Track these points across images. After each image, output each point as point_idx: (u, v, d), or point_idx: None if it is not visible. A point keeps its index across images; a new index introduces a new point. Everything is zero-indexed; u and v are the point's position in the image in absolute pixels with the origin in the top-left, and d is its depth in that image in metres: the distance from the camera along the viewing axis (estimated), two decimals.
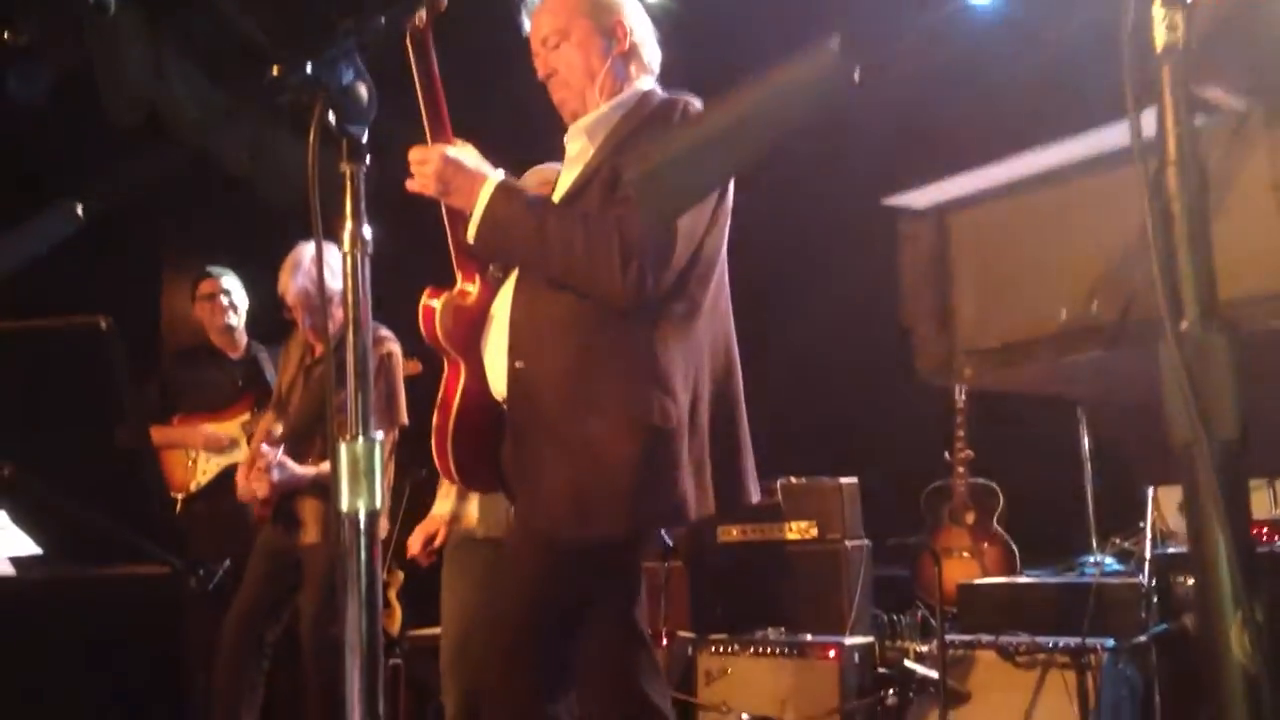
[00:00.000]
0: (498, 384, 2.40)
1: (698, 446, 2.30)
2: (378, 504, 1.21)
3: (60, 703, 4.94)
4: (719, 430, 2.36)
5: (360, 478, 1.20)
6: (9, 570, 1.78)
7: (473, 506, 3.61)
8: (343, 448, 1.18)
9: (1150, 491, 3.84)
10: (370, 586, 1.21)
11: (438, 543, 3.70)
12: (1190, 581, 3.54)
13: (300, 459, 4.14)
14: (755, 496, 2.48)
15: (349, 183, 1.29)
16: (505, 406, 2.39)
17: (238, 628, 4.24)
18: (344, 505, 1.20)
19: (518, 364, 2.33)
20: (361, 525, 1.20)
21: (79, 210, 3.27)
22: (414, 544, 3.80)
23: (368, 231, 1.28)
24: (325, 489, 4.15)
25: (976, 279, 1.00)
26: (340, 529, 4.13)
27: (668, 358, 2.28)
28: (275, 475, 4.05)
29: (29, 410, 4.84)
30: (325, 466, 4.13)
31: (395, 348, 4.14)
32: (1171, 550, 3.78)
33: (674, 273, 2.28)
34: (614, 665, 2.38)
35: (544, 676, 2.13)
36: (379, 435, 1.22)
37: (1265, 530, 3.71)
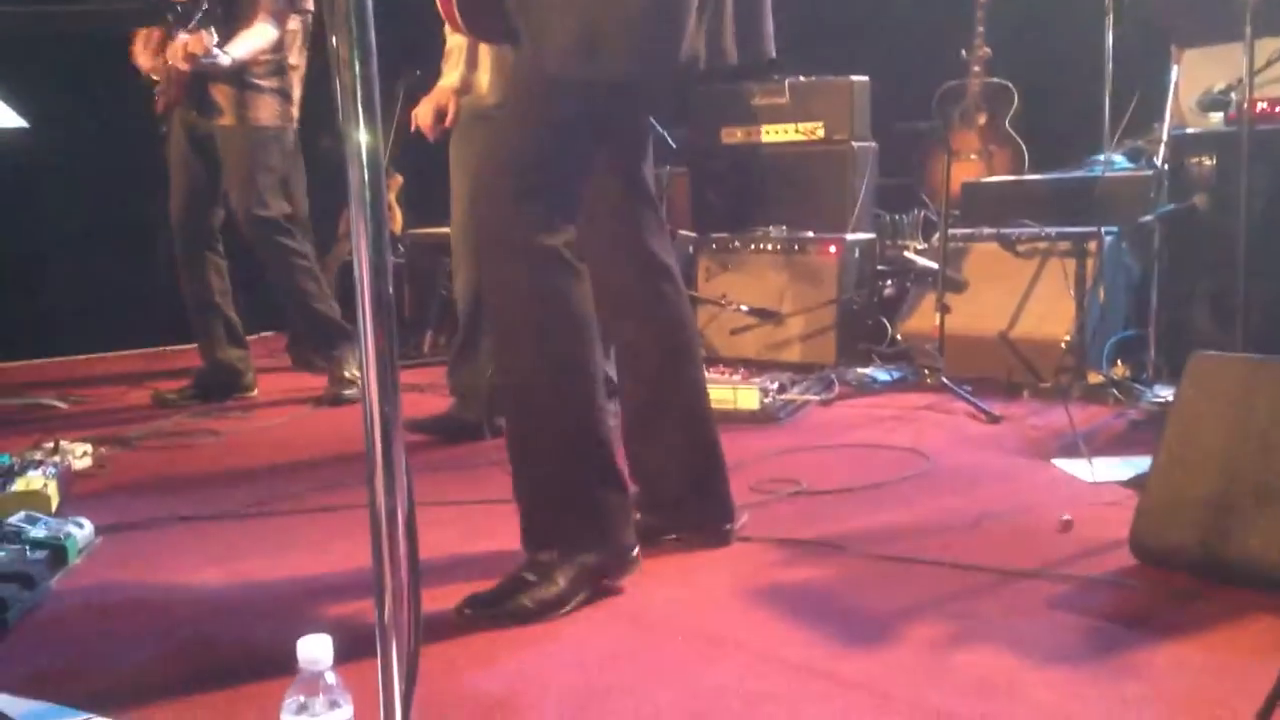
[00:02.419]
0: None
1: None
2: None
3: None
4: None
5: None
6: None
7: (483, 75, 3.46)
8: None
9: (1174, 70, 3.68)
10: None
11: (449, 119, 3.56)
12: (1205, 160, 3.47)
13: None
14: (772, 52, 2.36)
15: None
16: None
17: (182, 224, 4.27)
18: None
19: None
20: None
21: None
22: (422, 116, 3.63)
23: None
24: (238, 73, 4.06)
25: None
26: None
27: None
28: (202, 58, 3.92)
29: None
30: (239, 49, 4.01)
31: None
32: (1189, 130, 3.67)
33: None
34: (620, 220, 2.33)
35: (545, 208, 2.08)
36: None
37: None
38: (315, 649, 1.20)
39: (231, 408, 4.22)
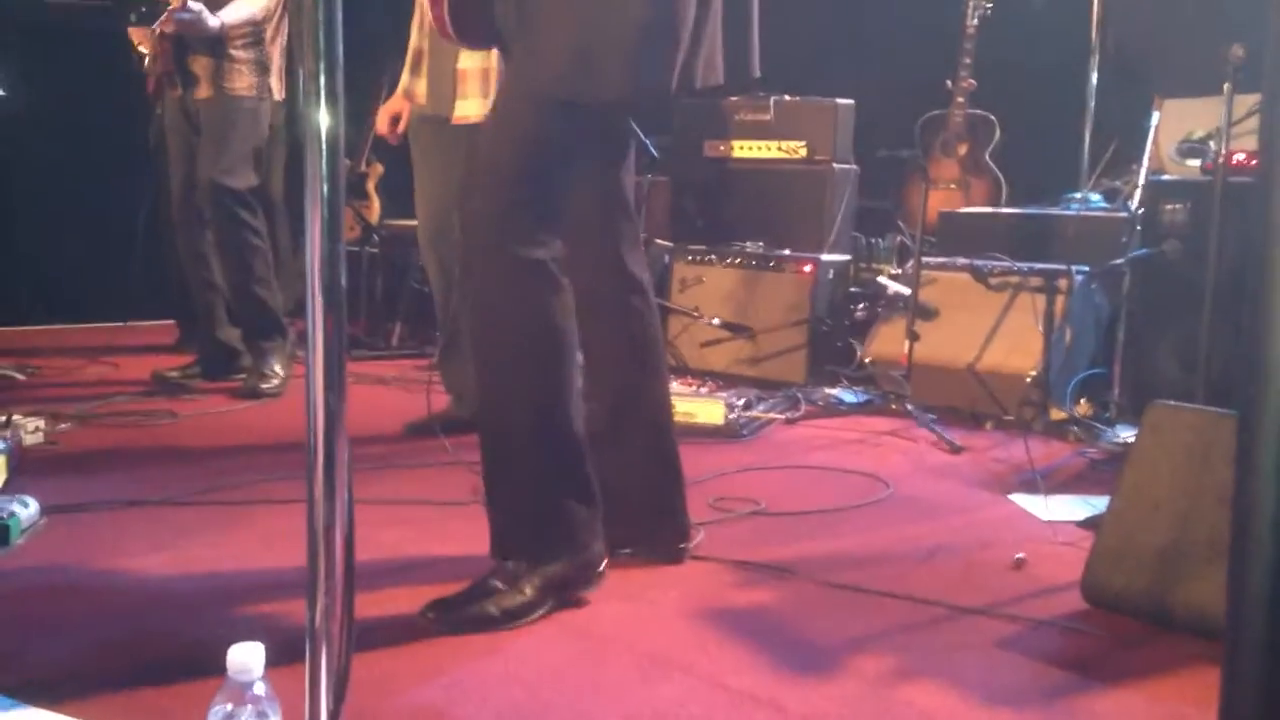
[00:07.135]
0: None
1: (707, 13, 2.16)
2: None
3: None
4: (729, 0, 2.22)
5: None
6: None
7: (420, 83, 3.49)
8: None
9: (1154, 116, 3.71)
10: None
11: (401, 125, 3.62)
12: (1179, 207, 3.49)
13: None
14: (758, 71, 2.38)
15: None
16: None
17: (184, 202, 4.23)
18: None
19: None
20: None
21: None
22: (380, 122, 3.72)
23: None
24: (217, 43, 4.03)
25: None
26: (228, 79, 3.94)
27: None
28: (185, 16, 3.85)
29: None
30: (231, 14, 4.00)
31: None
32: (1166, 177, 3.70)
33: None
34: (595, 230, 2.32)
35: (532, 221, 2.07)
36: None
37: None
38: (245, 657, 1.18)
39: (195, 389, 4.18)
